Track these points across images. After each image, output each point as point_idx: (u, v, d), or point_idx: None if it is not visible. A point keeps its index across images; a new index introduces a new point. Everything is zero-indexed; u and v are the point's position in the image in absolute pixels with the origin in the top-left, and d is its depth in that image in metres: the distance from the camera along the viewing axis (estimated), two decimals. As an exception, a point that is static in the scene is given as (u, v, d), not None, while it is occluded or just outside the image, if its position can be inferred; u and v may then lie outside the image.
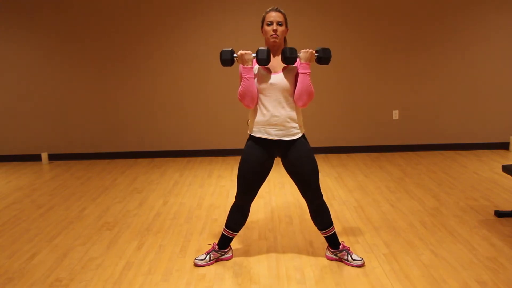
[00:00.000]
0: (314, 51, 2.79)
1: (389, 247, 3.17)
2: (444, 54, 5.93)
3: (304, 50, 2.77)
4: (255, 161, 2.82)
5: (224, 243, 3.02)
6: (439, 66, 5.96)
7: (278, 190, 4.57)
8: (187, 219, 3.84)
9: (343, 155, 6.04)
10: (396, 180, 4.80)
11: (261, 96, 2.81)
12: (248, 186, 2.85)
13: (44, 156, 6.06)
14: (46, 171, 5.67)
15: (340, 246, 2.96)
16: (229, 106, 6.06)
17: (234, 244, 3.30)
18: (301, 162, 2.81)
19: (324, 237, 2.98)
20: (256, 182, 2.85)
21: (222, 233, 3.02)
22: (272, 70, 2.80)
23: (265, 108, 2.80)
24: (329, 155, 6.09)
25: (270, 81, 2.76)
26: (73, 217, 3.98)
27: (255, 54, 2.73)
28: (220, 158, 6.08)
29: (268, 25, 2.77)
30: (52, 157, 6.22)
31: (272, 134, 2.82)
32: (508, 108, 6.06)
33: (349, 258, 2.92)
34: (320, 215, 2.91)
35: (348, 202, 4.15)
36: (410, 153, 6.03)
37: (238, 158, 6.06)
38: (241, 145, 6.09)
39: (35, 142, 6.19)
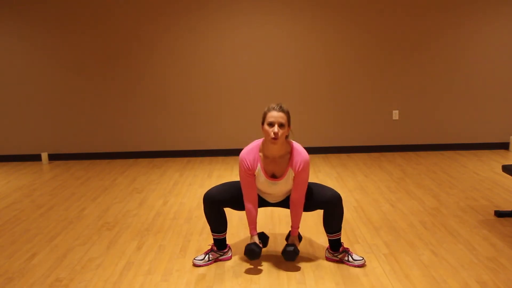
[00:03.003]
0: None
1: (389, 247, 3.17)
2: (444, 54, 5.93)
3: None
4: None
5: (220, 245, 3.02)
6: (439, 66, 5.96)
7: (278, 190, 4.56)
8: (187, 219, 3.84)
9: (343, 155, 6.04)
10: (396, 180, 4.80)
11: (261, 193, 2.94)
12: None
13: (44, 156, 6.06)
14: (46, 171, 5.67)
15: (340, 248, 2.95)
16: (229, 106, 6.06)
17: (234, 244, 3.30)
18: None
19: (329, 239, 2.97)
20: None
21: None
22: (270, 174, 2.80)
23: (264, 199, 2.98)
24: (329, 155, 6.09)
25: (271, 188, 2.84)
26: (73, 217, 3.98)
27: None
28: (220, 158, 6.08)
29: (269, 125, 2.65)
30: (52, 157, 6.22)
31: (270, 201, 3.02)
32: (508, 108, 6.06)
33: (350, 258, 2.91)
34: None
35: (348, 202, 4.15)
36: (410, 153, 6.03)
37: (238, 158, 6.06)
38: (241, 145, 6.09)
39: (35, 142, 6.19)
